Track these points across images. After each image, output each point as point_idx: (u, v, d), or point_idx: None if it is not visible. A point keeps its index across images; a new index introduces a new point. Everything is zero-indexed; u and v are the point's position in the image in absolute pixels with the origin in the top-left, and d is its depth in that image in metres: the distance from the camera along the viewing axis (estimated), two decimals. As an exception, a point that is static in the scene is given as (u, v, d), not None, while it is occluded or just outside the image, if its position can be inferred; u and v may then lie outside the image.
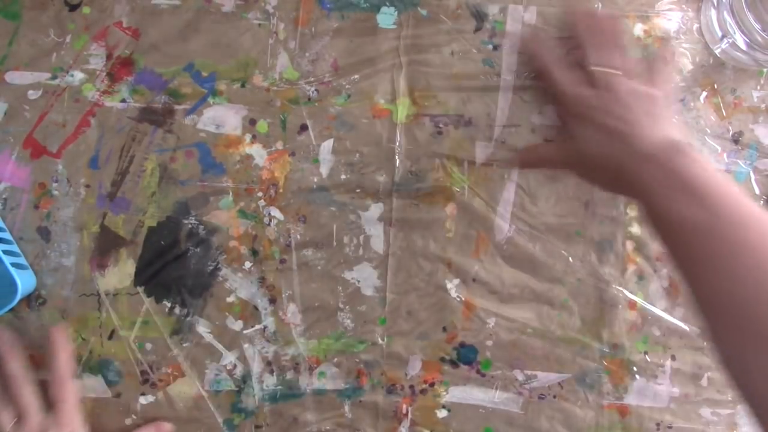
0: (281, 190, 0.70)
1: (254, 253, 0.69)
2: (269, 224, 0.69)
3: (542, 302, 0.69)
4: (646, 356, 0.69)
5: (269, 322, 0.69)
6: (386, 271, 0.69)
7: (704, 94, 0.71)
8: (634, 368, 0.69)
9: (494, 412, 0.68)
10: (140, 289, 0.69)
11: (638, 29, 0.71)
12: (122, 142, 0.69)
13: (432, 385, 0.69)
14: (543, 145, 0.69)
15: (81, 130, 0.70)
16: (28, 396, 0.63)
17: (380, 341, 0.69)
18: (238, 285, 0.69)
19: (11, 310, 0.66)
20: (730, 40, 0.68)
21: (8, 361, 0.65)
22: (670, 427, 0.69)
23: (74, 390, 0.65)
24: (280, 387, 0.68)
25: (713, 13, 0.69)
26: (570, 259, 0.69)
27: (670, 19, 0.72)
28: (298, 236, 0.69)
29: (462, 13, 0.71)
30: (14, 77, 0.70)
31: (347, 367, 0.69)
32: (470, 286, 0.69)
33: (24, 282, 0.64)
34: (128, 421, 0.67)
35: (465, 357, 0.69)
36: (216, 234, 0.69)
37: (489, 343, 0.69)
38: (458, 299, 0.69)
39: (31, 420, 0.62)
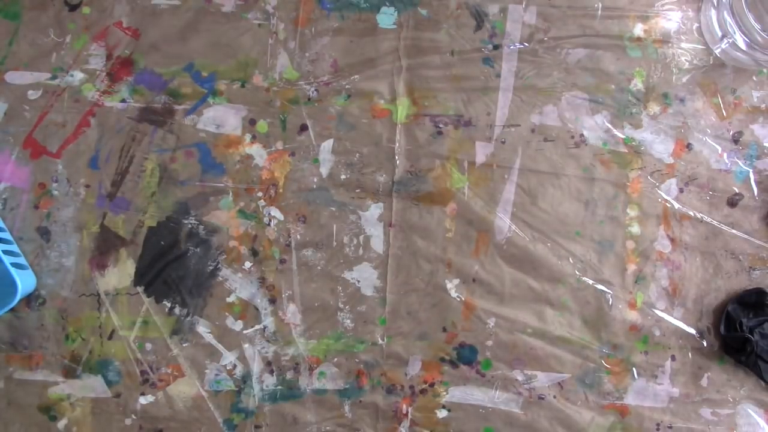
0: (281, 190, 0.70)
1: (254, 253, 0.69)
2: (269, 224, 0.69)
3: (542, 302, 0.69)
4: (646, 356, 0.69)
5: (269, 322, 0.69)
6: (386, 272, 0.69)
7: (704, 94, 0.71)
8: (634, 368, 0.69)
9: (494, 412, 0.68)
10: (140, 289, 0.68)
11: (638, 29, 0.71)
12: (122, 142, 0.70)
13: (432, 385, 0.69)
14: None
15: (81, 130, 0.70)
16: None
17: (380, 341, 0.69)
18: (238, 285, 0.69)
19: (11, 310, 0.66)
20: (730, 40, 0.68)
21: None
22: (670, 427, 0.69)
23: None
24: (280, 387, 0.68)
25: (713, 13, 0.69)
26: (570, 259, 0.69)
27: (670, 19, 0.72)
28: (298, 236, 0.69)
29: (462, 13, 0.71)
30: (14, 77, 0.70)
31: (347, 367, 0.69)
32: (470, 286, 0.69)
33: (24, 282, 0.64)
34: (128, 421, 0.67)
35: (465, 357, 0.69)
36: (216, 234, 0.69)
37: (489, 343, 0.69)
38: (458, 299, 0.69)
39: None
